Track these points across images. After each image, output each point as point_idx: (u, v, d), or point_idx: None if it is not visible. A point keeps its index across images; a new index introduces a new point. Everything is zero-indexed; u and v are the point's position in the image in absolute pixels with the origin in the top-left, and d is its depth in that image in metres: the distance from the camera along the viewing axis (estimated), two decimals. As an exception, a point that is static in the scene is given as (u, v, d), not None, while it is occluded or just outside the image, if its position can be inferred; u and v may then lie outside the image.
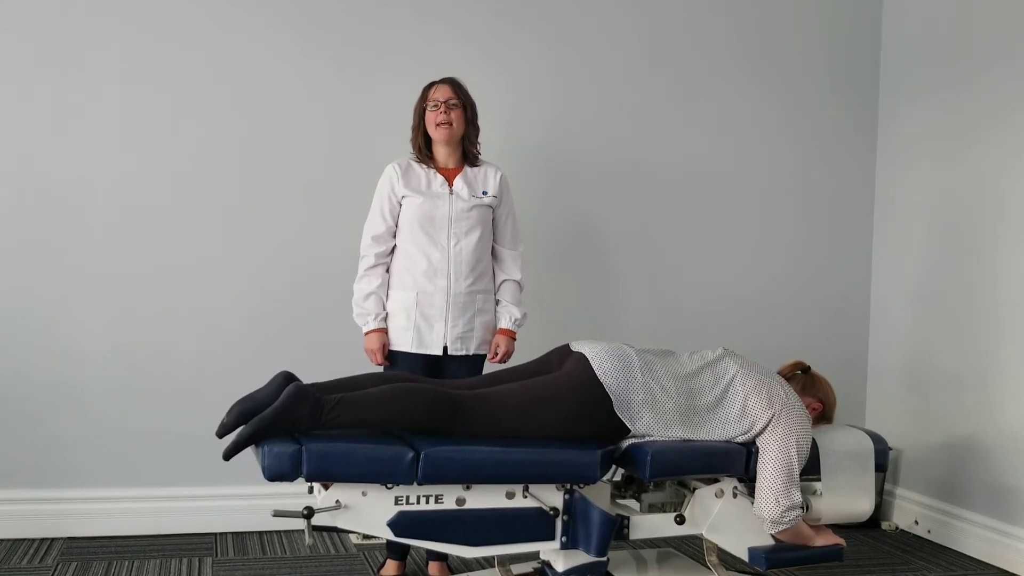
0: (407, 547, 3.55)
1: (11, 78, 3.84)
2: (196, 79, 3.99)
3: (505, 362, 3.48)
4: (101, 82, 3.91)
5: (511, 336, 3.54)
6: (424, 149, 3.48)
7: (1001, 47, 4.01)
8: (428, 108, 3.43)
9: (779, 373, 3.23)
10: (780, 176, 4.62)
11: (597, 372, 2.89)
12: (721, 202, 4.55)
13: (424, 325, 3.42)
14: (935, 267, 4.31)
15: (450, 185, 3.45)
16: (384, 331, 3.43)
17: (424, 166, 3.48)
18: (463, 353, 3.45)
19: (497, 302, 3.57)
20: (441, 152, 3.48)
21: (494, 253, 3.57)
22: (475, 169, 3.52)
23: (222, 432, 2.74)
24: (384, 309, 3.45)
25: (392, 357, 3.46)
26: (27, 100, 3.85)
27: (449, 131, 3.42)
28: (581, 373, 2.90)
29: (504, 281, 3.56)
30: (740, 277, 4.58)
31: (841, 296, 4.69)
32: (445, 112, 3.40)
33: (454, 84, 3.47)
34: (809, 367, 3.29)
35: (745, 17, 4.55)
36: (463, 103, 3.45)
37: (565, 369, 2.96)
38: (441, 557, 3.58)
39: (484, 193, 3.48)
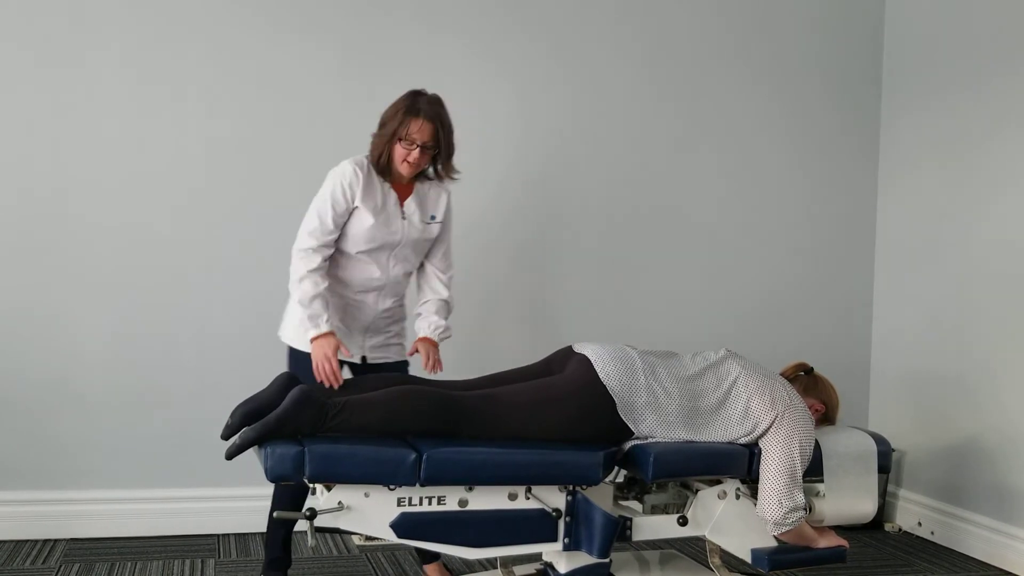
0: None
1: (12, 79, 3.84)
2: (199, 81, 4.00)
3: (436, 371, 3.20)
4: (102, 83, 3.91)
5: (434, 344, 3.26)
6: (386, 166, 3.19)
7: (1005, 51, 4.00)
8: (402, 142, 3.13)
9: (782, 374, 3.23)
10: (783, 181, 4.62)
11: (600, 374, 2.89)
12: (724, 206, 4.55)
13: (344, 332, 3.24)
14: (937, 269, 4.31)
15: (402, 205, 3.25)
16: (334, 335, 3.08)
17: (381, 178, 3.23)
18: (383, 361, 3.33)
19: (419, 315, 3.33)
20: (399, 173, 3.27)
21: (423, 269, 3.38)
22: (426, 186, 3.29)
23: (227, 434, 2.75)
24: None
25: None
26: (28, 101, 3.85)
27: (414, 170, 3.21)
28: (584, 375, 2.90)
29: (432, 299, 3.33)
30: (743, 281, 4.58)
31: (844, 298, 4.69)
32: (419, 155, 3.14)
33: (437, 124, 3.14)
34: (812, 368, 3.29)
35: (747, 24, 4.54)
36: (439, 147, 3.17)
37: (568, 371, 2.96)
38: (435, 557, 3.56)
39: (432, 218, 3.31)
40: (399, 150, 3.14)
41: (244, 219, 4.05)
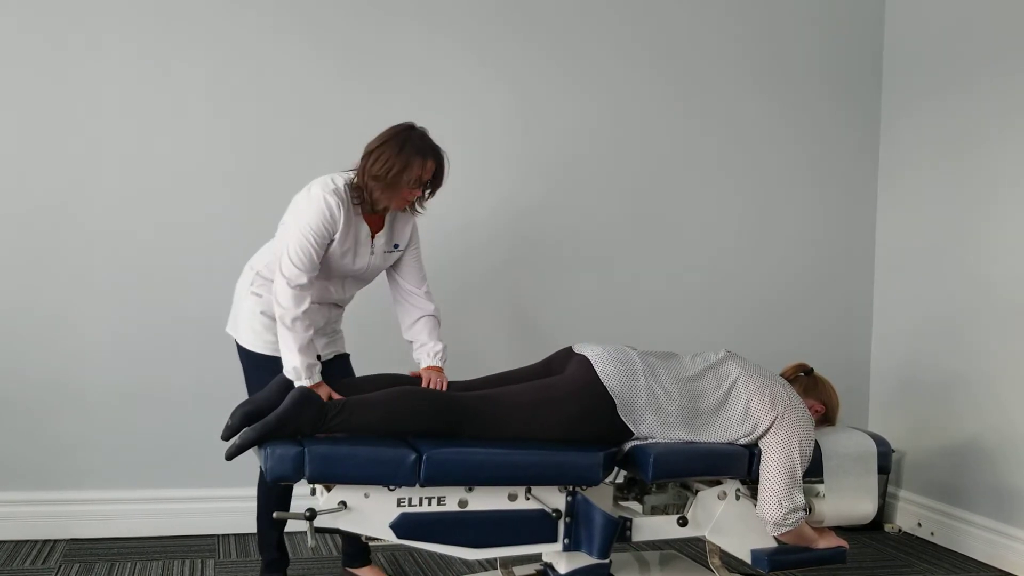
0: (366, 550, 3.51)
1: (13, 78, 3.84)
2: (199, 82, 3.99)
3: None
4: (103, 82, 3.91)
5: (439, 369, 3.16)
6: (368, 199, 3.09)
7: (1005, 51, 4.00)
8: (407, 182, 3.03)
9: (782, 375, 3.23)
10: (783, 181, 4.61)
11: (600, 375, 2.89)
12: (723, 207, 4.55)
13: None
14: (937, 269, 4.31)
15: (372, 238, 3.17)
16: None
17: (357, 208, 3.11)
18: (333, 354, 3.31)
19: (413, 343, 3.26)
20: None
21: (399, 287, 3.31)
22: (393, 215, 3.22)
23: (227, 435, 2.75)
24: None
25: (274, 363, 3.06)
26: (29, 100, 3.85)
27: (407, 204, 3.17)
28: (584, 376, 2.90)
29: (420, 318, 3.26)
30: (743, 281, 4.58)
31: (844, 298, 4.69)
32: (419, 194, 3.11)
33: (439, 158, 3.08)
34: (812, 369, 3.29)
35: (747, 24, 4.54)
36: (436, 180, 3.13)
37: (568, 372, 2.97)
38: (367, 562, 3.50)
39: (396, 247, 3.24)
40: (404, 192, 3.06)
41: (244, 219, 4.04)
